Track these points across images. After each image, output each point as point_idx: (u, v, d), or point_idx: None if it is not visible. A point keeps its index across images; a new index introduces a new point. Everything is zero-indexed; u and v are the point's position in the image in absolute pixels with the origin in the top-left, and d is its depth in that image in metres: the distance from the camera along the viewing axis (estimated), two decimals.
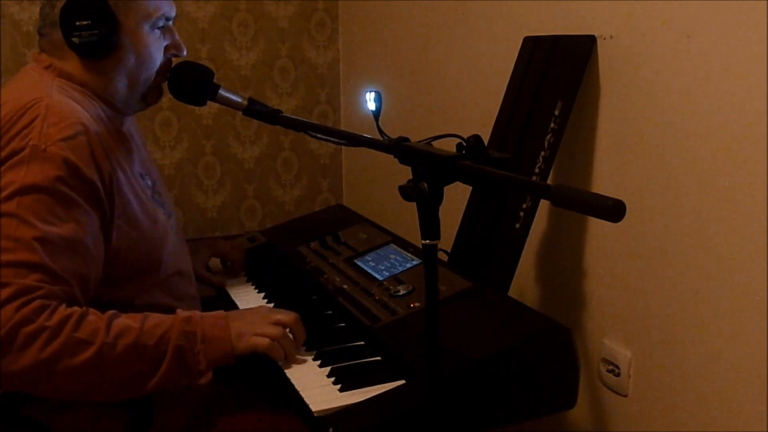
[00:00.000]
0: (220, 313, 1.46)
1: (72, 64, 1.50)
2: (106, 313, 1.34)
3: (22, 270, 1.27)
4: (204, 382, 1.54)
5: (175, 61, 1.60)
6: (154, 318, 1.38)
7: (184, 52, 1.60)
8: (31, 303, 1.25)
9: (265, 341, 1.42)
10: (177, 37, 1.59)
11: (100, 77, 1.50)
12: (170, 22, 1.57)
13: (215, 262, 2.01)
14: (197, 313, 1.43)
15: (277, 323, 1.46)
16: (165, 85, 1.61)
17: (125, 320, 1.34)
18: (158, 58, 1.54)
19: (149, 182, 1.59)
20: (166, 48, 1.56)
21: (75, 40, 1.44)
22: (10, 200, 1.30)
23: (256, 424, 1.51)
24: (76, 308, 1.30)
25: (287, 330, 1.47)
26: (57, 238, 1.31)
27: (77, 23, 1.43)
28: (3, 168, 1.33)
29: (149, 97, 1.58)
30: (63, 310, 1.28)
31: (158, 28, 1.53)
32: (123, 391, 1.35)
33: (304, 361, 1.48)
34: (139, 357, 1.32)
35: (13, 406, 1.37)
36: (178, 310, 1.42)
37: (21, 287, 1.25)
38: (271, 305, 1.76)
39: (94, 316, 1.31)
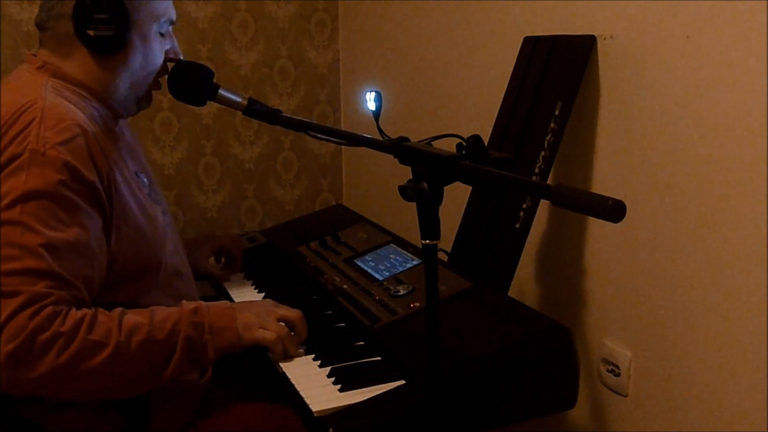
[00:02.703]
0: (225, 303, 1.49)
1: (75, 61, 1.48)
2: (114, 312, 1.35)
3: (30, 278, 1.26)
4: (202, 383, 1.54)
5: (169, 66, 1.60)
6: (162, 312, 1.39)
7: (181, 57, 1.61)
8: (44, 310, 1.25)
9: (271, 335, 1.45)
10: (176, 42, 1.59)
11: (102, 75, 1.49)
12: (171, 27, 1.58)
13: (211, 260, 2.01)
14: (203, 304, 1.45)
15: (282, 319, 1.49)
16: (160, 89, 1.61)
17: (134, 317, 1.36)
18: (159, 61, 1.55)
19: (145, 180, 1.58)
20: (166, 53, 1.56)
21: (90, 33, 1.44)
22: (13, 207, 1.29)
23: (250, 415, 1.51)
24: (86, 310, 1.31)
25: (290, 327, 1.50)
26: (62, 243, 1.30)
27: (95, 16, 1.43)
28: (2, 174, 1.31)
29: (143, 101, 1.59)
30: (74, 314, 1.28)
31: (162, 33, 1.54)
32: (140, 386, 1.37)
33: (304, 361, 1.48)
34: (151, 351, 1.34)
35: (6, 406, 1.37)
36: (184, 302, 1.44)
37: (32, 295, 1.25)
38: None
39: (104, 317, 1.32)
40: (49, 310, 1.25)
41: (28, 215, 1.29)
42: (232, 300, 1.82)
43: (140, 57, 1.50)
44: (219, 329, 1.41)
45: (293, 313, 1.51)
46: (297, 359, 1.48)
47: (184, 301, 1.45)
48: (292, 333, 1.50)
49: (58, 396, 1.33)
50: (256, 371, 1.57)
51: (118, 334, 1.31)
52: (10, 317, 1.23)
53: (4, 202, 1.29)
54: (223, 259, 2.01)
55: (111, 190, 1.42)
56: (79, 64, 1.48)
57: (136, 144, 1.68)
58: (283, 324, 1.49)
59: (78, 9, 1.44)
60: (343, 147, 2.93)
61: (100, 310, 1.33)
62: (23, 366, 1.24)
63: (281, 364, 1.47)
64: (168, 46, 1.57)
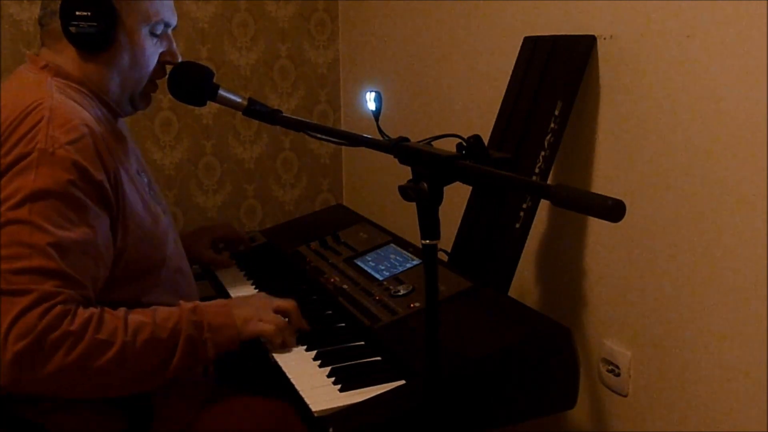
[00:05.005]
0: (221, 301, 1.53)
1: (67, 59, 1.49)
2: (119, 311, 1.36)
3: (40, 276, 1.27)
4: (205, 380, 1.55)
5: (168, 69, 1.59)
6: (163, 311, 1.41)
7: (179, 60, 1.59)
8: (53, 309, 1.26)
9: (270, 327, 1.49)
10: (174, 45, 1.58)
11: (94, 73, 1.50)
12: (169, 30, 1.57)
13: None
14: (201, 303, 1.48)
15: (277, 310, 1.53)
16: (156, 91, 1.61)
17: (138, 316, 1.37)
18: (152, 62, 1.54)
19: (145, 179, 1.59)
20: (161, 55, 1.56)
21: (72, 29, 1.44)
22: (22, 206, 1.29)
23: (252, 413, 1.52)
24: (93, 309, 1.32)
25: (286, 319, 1.54)
26: (71, 242, 1.31)
27: (77, 13, 1.44)
28: (10, 173, 1.31)
29: (138, 102, 1.58)
30: (82, 313, 1.30)
31: (156, 34, 1.53)
32: (143, 384, 1.39)
33: (305, 361, 1.48)
34: (155, 350, 1.36)
35: (7, 406, 1.37)
36: (182, 302, 1.46)
37: (41, 294, 1.26)
38: None
39: (109, 315, 1.34)
40: (58, 309, 1.27)
41: (37, 214, 1.29)
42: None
43: (127, 57, 1.50)
44: (218, 327, 1.44)
45: (288, 303, 1.55)
46: (297, 358, 1.48)
47: (182, 302, 1.46)
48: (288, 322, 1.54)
49: (65, 395, 1.34)
50: (259, 368, 1.57)
51: (124, 333, 1.33)
52: (20, 316, 1.24)
53: (13, 201, 1.29)
54: (221, 246, 2.04)
55: (117, 188, 1.43)
56: (69, 60, 1.49)
57: (134, 144, 1.68)
58: (279, 315, 1.52)
59: (63, 6, 1.45)
60: (343, 147, 2.93)
61: (106, 309, 1.34)
62: (33, 365, 1.25)
63: (277, 358, 1.48)
64: (163, 49, 1.56)
